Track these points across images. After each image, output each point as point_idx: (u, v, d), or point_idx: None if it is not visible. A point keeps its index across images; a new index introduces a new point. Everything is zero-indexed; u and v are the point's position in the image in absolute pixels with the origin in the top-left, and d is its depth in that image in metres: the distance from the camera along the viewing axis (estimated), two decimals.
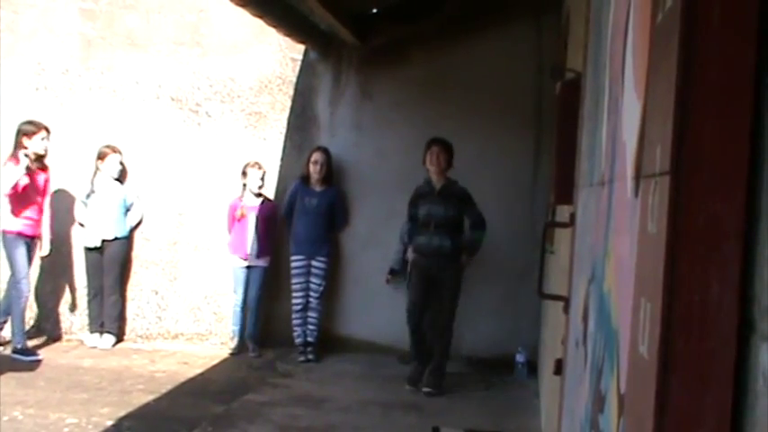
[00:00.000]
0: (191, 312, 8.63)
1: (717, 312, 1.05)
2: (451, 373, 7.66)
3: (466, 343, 8.24)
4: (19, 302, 7.66)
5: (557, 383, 3.87)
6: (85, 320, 8.54)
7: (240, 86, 8.57)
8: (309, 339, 8.20)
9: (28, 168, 7.56)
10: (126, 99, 8.60)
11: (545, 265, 4.29)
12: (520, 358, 7.79)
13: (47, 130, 7.76)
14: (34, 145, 7.65)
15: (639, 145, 1.53)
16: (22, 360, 7.54)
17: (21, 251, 7.62)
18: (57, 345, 8.40)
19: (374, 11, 8.24)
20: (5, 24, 8.64)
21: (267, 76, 8.56)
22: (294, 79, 8.56)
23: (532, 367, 7.69)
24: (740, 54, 1.05)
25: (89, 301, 8.42)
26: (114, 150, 8.30)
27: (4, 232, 7.63)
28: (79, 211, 8.36)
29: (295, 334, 8.21)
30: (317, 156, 8.20)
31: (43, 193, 7.87)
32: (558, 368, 3.69)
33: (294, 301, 8.20)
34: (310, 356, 8.10)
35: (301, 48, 8.49)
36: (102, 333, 8.35)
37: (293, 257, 8.21)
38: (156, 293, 8.64)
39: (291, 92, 8.56)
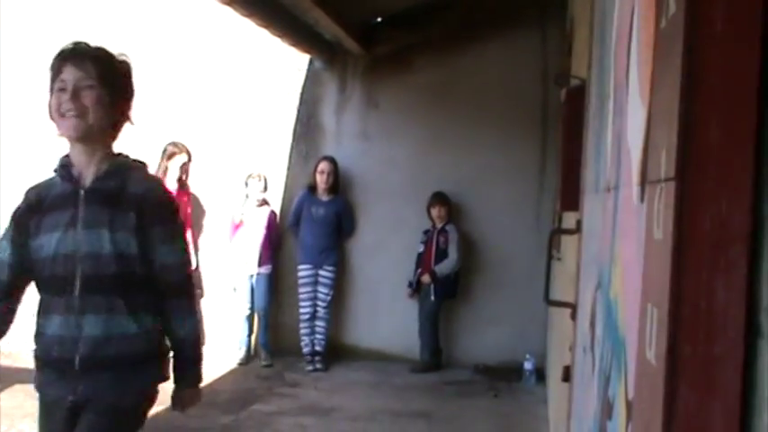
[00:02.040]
0: None
1: (724, 317, 1.04)
2: (460, 381, 7.65)
3: (473, 351, 8.24)
4: None
5: (565, 390, 3.86)
6: None
7: (246, 96, 8.59)
8: (318, 349, 8.20)
9: None
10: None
11: (552, 272, 4.28)
12: (528, 365, 7.78)
13: (188, 153, 7.92)
14: (174, 165, 7.83)
15: (644, 151, 1.53)
16: None
17: None
18: None
19: (378, 20, 8.26)
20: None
21: (272, 86, 8.58)
22: (299, 89, 8.58)
23: (540, 374, 7.68)
24: (744, 58, 1.05)
25: None
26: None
27: None
28: None
29: (303, 343, 8.21)
30: (323, 165, 8.20)
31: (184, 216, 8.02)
32: (567, 375, 3.69)
33: (302, 310, 8.21)
34: (318, 366, 8.10)
35: (306, 57, 8.51)
36: None
37: (300, 267, 8.22)
38: None
39: (297, 101, 8.58)
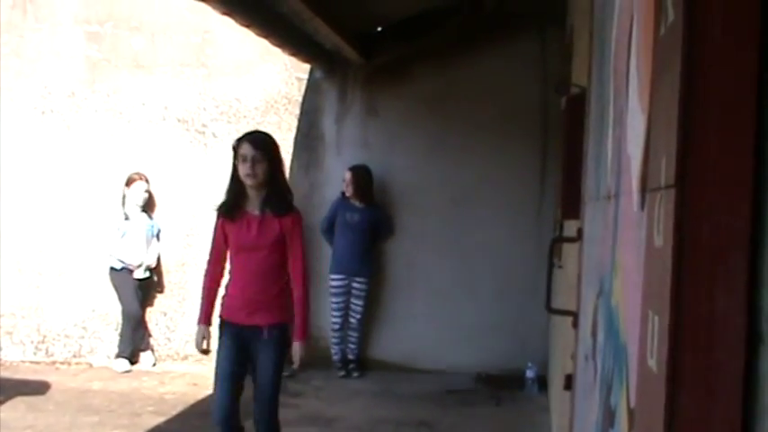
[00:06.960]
0: None
1: (724, 324, 1.04)
2: (461, 389, 7.64)
3: (475, 359, 8.22)
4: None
5: (567, 398, 3.85)
6: (95, 344, 8.57)
7: (246, 107, 8.60)
8: (351, 357, 8.30)
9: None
10: (132, 121, 8.63)
11: (553, 280, 4.27)
12: (530, 373, 7.76)
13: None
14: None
15: (644, 158, 1.53)
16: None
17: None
18: (66, 368, 8.39)
19: (378, 29, 8.27)
20: (11, 48, 8.69)
21: (273, 96, 8.58)
22: (300, 98, 8.58)
23: (542, 382, 7.66)
24: (743, 65, 1.05)
25: (124, 326, 8.39)
26: (141, 177, 8.35)
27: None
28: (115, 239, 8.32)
29: (333, 352, 8.25)
30: (345, 174, 8.23)
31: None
32: (569, 383, 3.68)
33: (333, 320, 8.23)
34: (355, 374, 8.24)
35: (306, 67, 8.51)
36: (131, 359, 8.40)
37: (333, 276, 8.20)
38: (165, 315, 8.64)
39: (297, 111, 8.58)
